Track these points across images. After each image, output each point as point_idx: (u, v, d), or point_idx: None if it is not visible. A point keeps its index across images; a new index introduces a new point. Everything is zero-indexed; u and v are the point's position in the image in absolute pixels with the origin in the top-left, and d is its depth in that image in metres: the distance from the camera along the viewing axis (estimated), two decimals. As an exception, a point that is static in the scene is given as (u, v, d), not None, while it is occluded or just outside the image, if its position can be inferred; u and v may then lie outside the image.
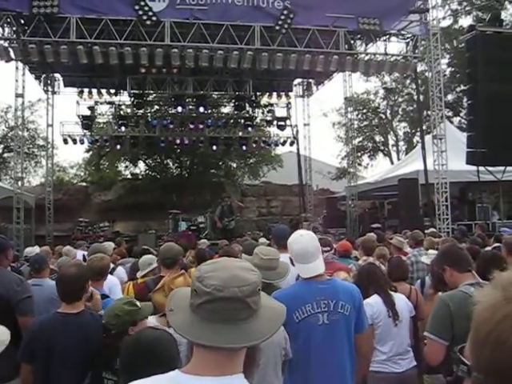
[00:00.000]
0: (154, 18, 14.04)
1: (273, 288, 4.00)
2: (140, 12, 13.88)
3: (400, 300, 4.66)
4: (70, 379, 3.51)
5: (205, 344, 1.46)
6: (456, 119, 29.62)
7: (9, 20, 14.60)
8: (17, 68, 17.75)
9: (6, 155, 32.35)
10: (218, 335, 1.44)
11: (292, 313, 3.34)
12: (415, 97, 26.47)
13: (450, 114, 28.45)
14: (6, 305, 4.38)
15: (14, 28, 15.03)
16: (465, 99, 24.80)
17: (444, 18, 26.55)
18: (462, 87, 26.17)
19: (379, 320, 4.52)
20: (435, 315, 3.38)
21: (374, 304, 4.56)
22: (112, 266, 6.86)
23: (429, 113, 18.51)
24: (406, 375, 4.51)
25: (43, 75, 20.93)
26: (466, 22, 26.46)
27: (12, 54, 14.73)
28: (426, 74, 19.31)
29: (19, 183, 18.62)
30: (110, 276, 5.79)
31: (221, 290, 1.46)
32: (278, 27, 14.56)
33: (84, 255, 7.96)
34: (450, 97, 28.03)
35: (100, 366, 3.33)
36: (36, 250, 8.70)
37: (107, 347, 3.26)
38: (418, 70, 21.29)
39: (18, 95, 17.89)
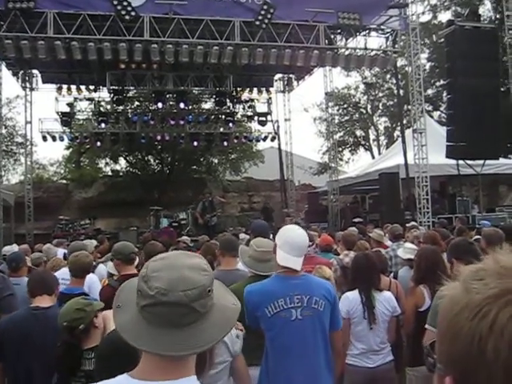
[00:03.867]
0: (132, 13, 13.92)
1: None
2: (119, 7, 13.74)
3: (384, 301, 4.61)
4: (41, 373, 3.50)
5: (146, 350, 1.39)
6: (436, 113, 29.86)
7: (-16, 15, 14.38)
8: (-7, 64, 17.51)
9: (-17, 153, 31.94)
10: (160, 341, 1.36)
11: (264, 307, 3.37)
12: (395, 91, 26.61)
13: (430, 108, 28.66)
14: None
15: (-10, 24, 14.80)
16: (444, 94, 24.99)
17: (423, 13, 26.78)
18: (442, 82, 26.37)
19: (355, 317, 4.53)
20: (434, 308, 3.41)
21: (351, 299, 4.57)
22: (93, 263, 6.81)
23: (409, 107, 18.60)
24: (380, 370, 4.53)
25: (21, 71, 20.69)
26: (445, 17, 26.69)
27: (-12, 50, 14.51)
28: (406, 68, 19.41)
29: (-2, 181, 18.40)
30: (90, 274, 5.74)
31: (165, 294, 1.37)
32: (258, 22, 14.53)
33: (64, 253, 7.88)
34: (429, 91, 28.22)
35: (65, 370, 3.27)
36: (14, 248, 8.59)
37: (71, 352, 3.17)
38: (398, 64, 21.45)
39: (-6, 92, 17.65)
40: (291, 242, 3.49)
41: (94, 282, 5.48)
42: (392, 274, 6.07)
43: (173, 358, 1.39)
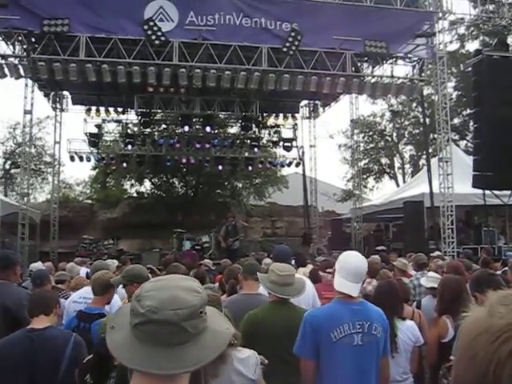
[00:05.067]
0: (162, 38, 14.18)
1: (290, 304, 4.03)
2: (149, 32, 14.02)
3: (406, 330, 4.55)
4: None
5: (134, 368, 1.39)
6: (462, 143, 29.64)
7: (20, 38, 14.79)
8: (26, 85, 17.91)
9: (13, 171, 32.63)
10: (150, 359, 1.36)
11: (330, 332, 3.35)
12: (421, 120, 26.51)
13: (457, 137, 28.48)
14: (15, 318, 4.40)
15: (25, 46, 15.20)
16: (471, 123, 24.81)
17: (451, 42, 26.78)
18: (469, 111, 26.21)
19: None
20: (458, 339, 3.36)
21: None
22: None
23: (435, 136, 18.48)
24: None
25: (52, 93, 21.12)
26: (472, 46, 26.65)
27: (22, 72, 14.88)
28: (433, 97, 19.35)
29: (25, 199, 18.68)
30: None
31: (155, 312, 1.38)
32: (285, 49, 14.66)
33: (87, 272, 7.94)
34: (456, 120, 28.08)
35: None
36: (40, 265, 8.70)
37: (102, 364, 3.20)
38: (425, 93, 21.39)
39: (26, 112, 18.03)
40: (348, 268, 3.50)
41: (115, 302, 5.50)
42: (415, 304, 5.99)
43: (160, 379, 1.39)
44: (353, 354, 3.39)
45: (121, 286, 6.88)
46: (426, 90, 23.01)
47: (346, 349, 3.38)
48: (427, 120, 21.50)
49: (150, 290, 1.46)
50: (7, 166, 33.22)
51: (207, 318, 1.49)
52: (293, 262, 6.83)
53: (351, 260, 3.57)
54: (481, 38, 26.87)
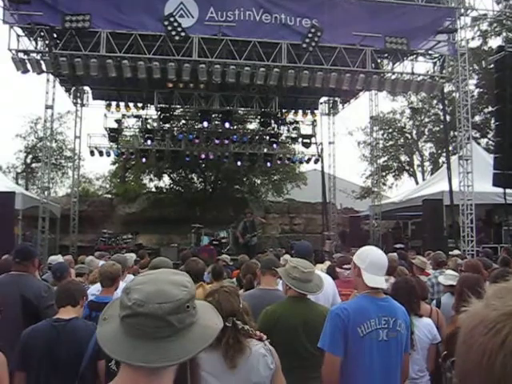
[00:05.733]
0: (182, 34, 14.22)
1: (308, 300, 4.04)
2: (169, 28, 14.08)
3: (423, 327, 4.54)
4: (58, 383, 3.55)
5: (119, 359, 1.40)
6: (483, 141, 29.30)
7: (42, 33, 14.93)
8: (48, 80, 18.12)
9: (34, 165, 33.04)
10: (135, 352, 1.37)
11: (357, 326, 3.36)
12: (442, 117, 26.25)
13: (478, 135, 28.15)
14: (35, 310, 4.47)
15: (47, 41, 15.36)
16: (492, 121, 24.52)
17: (473, 38, 26.43)
18: (490, 108, 25.91)
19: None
20: None
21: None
22: (133, 277, 6.91)
23: (455, 134, 18.30)
24: None
25: (73, 88, 21.31)
26: (495, 43, 26.28)
27: (43, 67, 15.03)
28: (454, 94, 19.17)
29: (46, 193, 18.90)
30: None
31: (141, 305, 1.39)
32: (305, 45, 14.62)
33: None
34: (477, 118, 27.74)
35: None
36: (59, 258, 8.81)
37: None
38: (446, 90, 21.19)
39: (47, 107, 18.23)
40: (376, 263, 3.53)
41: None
42: (434, 302, 5.95)
43: (145, 372, 1.40)
44: (378, 349, 3.40)
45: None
46: (447, 87, 22.82)
47: (372, 344, 3.38)
48: (448, 117, 21.30)
49: (139, 283, 1.47)
50: (28, 160, 33.63)
51: (196, 313, 1.49)
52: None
53: (376, 255, 3.59)
54: (504, 34, 26.53)
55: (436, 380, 4.69)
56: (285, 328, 3.87)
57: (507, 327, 0.76)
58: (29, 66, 14.77)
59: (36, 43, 15.44)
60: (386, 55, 16.96)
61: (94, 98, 22.07)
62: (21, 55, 14.81)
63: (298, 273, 4.05)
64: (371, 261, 3.52)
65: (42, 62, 14.97)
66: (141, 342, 1.39)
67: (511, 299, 0.80)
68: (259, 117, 22.43)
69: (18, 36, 14.90)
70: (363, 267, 3.53)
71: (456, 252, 11.14)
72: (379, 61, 16.70)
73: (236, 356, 2.86)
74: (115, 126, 21.80)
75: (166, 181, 30.27)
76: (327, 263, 8.11)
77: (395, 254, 9.75)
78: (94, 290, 5.63)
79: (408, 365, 3.75)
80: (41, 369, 3.61)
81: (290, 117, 23.33)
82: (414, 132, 34.94)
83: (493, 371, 0.74)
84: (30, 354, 3.65)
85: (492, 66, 18.79)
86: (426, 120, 34.03)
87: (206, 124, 20.94)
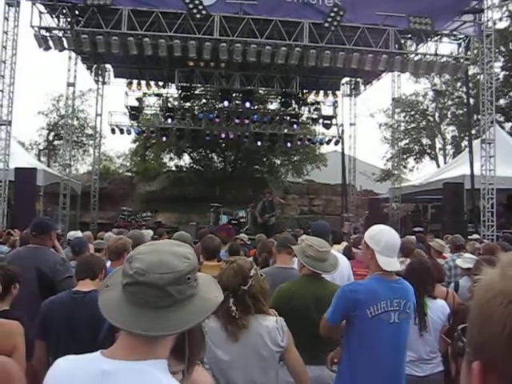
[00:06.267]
0: (203, 12, 14.16)
1: (322, 279, 4.05)
2: (190, 5, 14.01)
3: (437, 309, 4.51)
4: (77, 354, 3.60)
5: (117, 326, 1.42)
6: (508, 125, 28.82)
7: (64, 11, 14.99)
8: (69, 58, 18.24)
9: (55, 143, 33.36)
10: (135, 320, 1.40)
11: (366, 308, 3.35)
12: (465, 100, 25.87)
13: (502, 119, 27.68)
14: (50, 283, 4.54)
15: (69, 19, 15.43)
16: (518, 104, 24.11)
17: (500, 19, 25.87)
18: (516, 92, 25.46)
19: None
20: None
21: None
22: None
23: (479, 117, 18.03)
24: (428, 380, 4.40)
25: (94, 66, 21.39)
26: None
27: (65, 44, 15.10)
28: (478, 77, 18.85)
29: (67, 170, 19.15)
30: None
31: (142, 274, 1.41)
32: (327, 24, 14.47)
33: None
34: (502, 101, 27.26)
35: None
36: (78, 234, 8.91)
37: None
38: (470, 72, 20.83)
39: (69, 84, 18.39)
40: (391, 245, 3.49)
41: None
42: (452, 285, 5.91)
43: (143, 340, 1.42)
44: (389, 331, 3.40)
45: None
46: (472, 70, 22.43)
47: (382, 326, 3.37)
48: (471, 100, 20.95)
49: (142, 252, 1.49)
50: (51, 138, 33.96)
51: (197, 285, 1.51)
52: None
53: (390, 237, 3.54)
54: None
55: (448, 361, 4.68)
56: (298, 306, 3.88)
57: None
58: (51, 43, 14.85)
59: (58, 20, 15.53)
60: (409, 36, 16.71)
61: (116, 76, 22.13)
62: (43, 32, 14.89)
63: (313, 251, 4.04)
64: (386, 243, 3.48)
65: (63, 39, 15.04)
66: (142, 310, 1.41)
67: None
68: (280, 97, 22.34)
69: (41, 13, 14.96)
70: (377, 250, 3.50)
71: (475, 236, 11.05)
72: (402, 41, 16.46)
73: (235, 330, 2.89)
74: (136, 104, 21.85)
75: (186, 160, 30.41)
76: (344, 244, 8.09)
77: (413, 236, 9.71)
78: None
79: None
80: (60, 338, 3.68)
81: (311, 97, 23.18)
82: (437, 115, 34.50)
83: None
84: (50, 324, 3.73)
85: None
86: (450, 103, 33.56)
87: (226, 103, 20.88)
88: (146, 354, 1.43)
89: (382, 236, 3.55)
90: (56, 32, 15.21)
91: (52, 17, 15.32)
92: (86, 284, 3.92)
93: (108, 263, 5.85)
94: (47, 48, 14.89)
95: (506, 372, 0.74)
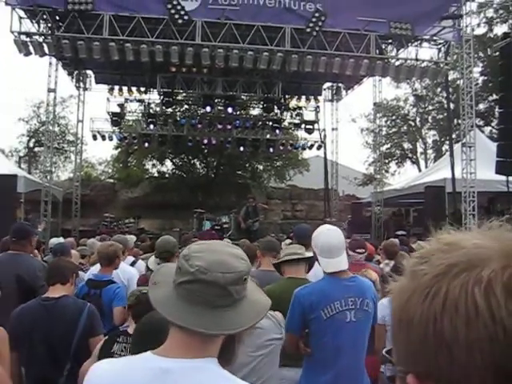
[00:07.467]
0: (185, 17, 14.14)
1: (306, 281, 4.08)
2: (172, 11, 13.99)
3: None
4: (51, 362, 3.55)
5: (177, 323, 1.43)
6: (487, 129, 29.15)
7: (45, 16, 14.85)
8: (50, 63, 18.04)
9: (36, 149, 33.09)
10: (193, 317, 1.41)
11: (320, 310, 3.35)
12: (445, 105, 26.13)
13: (481, 123, 27.98)
14: (30, 289, 4.49)
15: (49, 24, 15.30)
16: (496, 109, 24.38)
17: (478, 25, 26.17)
18: (495, 96, 25.75)
19: (389, 324, 4.47)
20: None
21: (387, 306, 4.52)
22: (133, 259, 6.96)
23: (459, 121, 18.20)
24: None
25: (75, 71, 21.23)
26: (501, 30, 26.02)
27: (46, 49, 14.97)
28: (458, 82, 19.04)
29: (48, 177, 18.91)
30: (130, 268, 5.90)
31: (204, 272, 1.43)
32: (308, 29, 14.53)
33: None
34: (481, 106, 27.58)
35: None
36: (60, 240, 8.83)
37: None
38: (450, 78, 21.04)
39: (50, 90, 18.19)
40: (328, 246, 3.48)
41: (134, 276, 5.59)
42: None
43: (199, 338, 1.43)
44: (346, 330, 3.39)
45: (140, 261, 7.00)
46: (451, 75, 22.64)
47: (339, 325, 3.37)
48: (452, 105, 21.17)
49: (198, 251, 1.51)
50: (31, 144, 33.63)
51: (247, 287, 1.55)
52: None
53: (326, 237, 3.54)
54: (510, 21, 26.29)
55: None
56: (283, 308, 3.87)
57: (444, 286, 0.70)
58: (31, 49, 14.71)
59: (38, 25, 15.40)
60: (390, 41, 16.83)
61: (97, 82, 21.97)
62: (23, 37, 14.76)
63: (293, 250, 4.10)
64: (322, 245, 3.48)
65: (44, 44, 14.92)
66: (198, 308, 1.43)
67: (438, 259, 0.74)
68: (262, 102, 22.35)
69: (21, 18, 14.83)
70: (317, 252, 3.51)
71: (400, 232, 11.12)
72: (383, 46, 16.59)
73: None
74: (118, 110, 21.69)
75: (168, 166, 30.22)
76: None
77: (397, 240, 9.76)
78: (95, 270, 5.66)
79: (380, 337, 3.74)
80: (32, 348, 3.61)
81: (293, 102, 23.25)
82: (418, 119, 34.82)
83: (443, 338, 0.68)
84: (18, 334, 3.62)
85: (497, 53, 18.66)
86: (430, 107, 33.88)
87: (208, 109, 20.86)
88: (201, 352, 1.45)
89: (319, 238, 3.56)
90: (36, 37, 15.08)
91: (32, 22, 15.19)
92: (57, 289, 3.84)
93: (93, 268, 5.81)
94: (27, 53, 14.75)
95: (441, 376, 0.70)
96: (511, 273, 0.68)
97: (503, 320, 0.65)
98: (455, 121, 23.43)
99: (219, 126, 21.57)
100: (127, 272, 5.50)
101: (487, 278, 0.68)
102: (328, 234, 3.56)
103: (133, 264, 6.52)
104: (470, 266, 0.70)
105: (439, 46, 16.83)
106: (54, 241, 8.74)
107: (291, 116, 24.00)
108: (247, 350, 2.92)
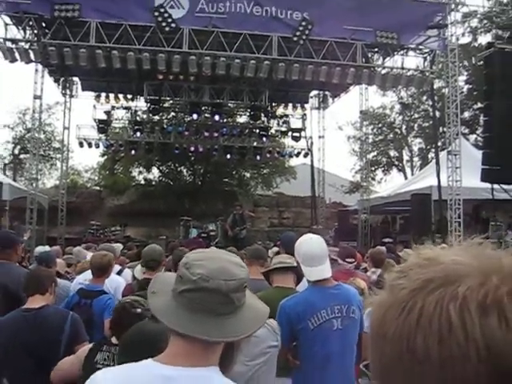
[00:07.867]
0: (173, 25, 14.15)
1: (293, 290, 4.06)
2: (159, 18, 13.99)
3: None
4: (32, 373, 3.51)
5: (179, 331, 1.43)
6: (472, 137, 29.39)
7: (31, 23, 14.77)
8: (36, 70, 17.94)
9: (22, 156, 32.82)
10: (195, 325, 1.41)
11: (307, 320, 3.34)
12: (431, 113, 26.32)
13: (466, 131, 28.23)
14: (14, 297, 4.42)
15: (35, 31, 15.23)
16: (481, 117, 24.60)
17: (463, 34, 26.46)
18: (480, 105, 25.99)
19: None
20: None
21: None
22: (119, 267, 6.91)
23: (445, 129, 18.35)
24: None
25: (61, 78, 21.13)
26: (485, 39, 26.31)
27: (32, 56, 14.88)
28: (443, 90, 19.21)
29: (34, 184, 18.77)
30: (117, 277, 5.87)
31: (206, 280, 1.43)
32: (295, 38, 14.60)
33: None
34: (466, 114, 27.86)
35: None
36: (46, 249, 8.74)
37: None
38: (435, 86, 21.23)
39: (36, 97, 18.08)
40: (310, 254, 3.48)
41: (120, 285, 5.56)
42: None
43: (200, 346, 1.44)
44: (333, 338, 3.40)
45: (126, 269, 6.96)
46: (437, 84, 22.85)
47: (326, 334, 3.37)
48: (437, 113, 21.36)
49: (198, 259, 1.51)
50: (16, 152, 33.36)
51: (246, 294, 1.56)
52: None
53: (307, 245, 3.54)
54: (494, 31, 26.57)
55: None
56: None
57: (419, 302, 0.69)
58: (17, 56, 14.64)
59: (24, 32, 15.29)
60: (376, 49, 16.97)
61: (84, 89, 21.89)
62: (8, 44, 14.68)
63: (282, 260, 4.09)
64: (305, 253, 3.49)
65: (30, 51, 14.83)
66: (200, 316, 1.43)
67: (415, 274, 0.73)
68: (249, 110, 22.40)
69: (6, 24, 14.77)
70: (300, 261, 3.52)
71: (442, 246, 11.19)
72: (369, 55, 16.69)
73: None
74: (104, 117, 21.61)
75: (155, 173, 30.17)
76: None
77: (384, 247, 9.78)
78: (81, 278, 5.62)
79: (367, 346, 3.73)
80: (15, 361, 3.55)
81: (280, 110, 23.32)
82: (404, 127, 35.04)
83: (416, 355, 0.67)
84: (1, 345, 3.58)
85: (481, 62, 18.84)
86: (416, 116, 34.13)
87: (195, 116, 20.89)
88: (203, 360, 1.45)
89: (301, 247, 3.57)
90: (22, 44, 15.00)
91: (18, 28, 15.10)
92: (36, 300, 3.77)
93: (79, 276, 5.75)
94: (13, 60, 14.67)
95: None
96: (488, 290, 0.67)
97: (476, 339, 0.64)
98: (441, 129, 23.59)
99: (206, 134, 21.55)
100: (114, 281, 5.48)
101: (463, 294, 0.67)
102: (310, 243, 3.56)
103: (119, 273, 6.48)
104: (446, 282, 0.69)
105: (425, 55, 16.97)
106: (40, 249, 8.64)
107: (278, 124, 24.04)
108: (244, 360, 2.91)
